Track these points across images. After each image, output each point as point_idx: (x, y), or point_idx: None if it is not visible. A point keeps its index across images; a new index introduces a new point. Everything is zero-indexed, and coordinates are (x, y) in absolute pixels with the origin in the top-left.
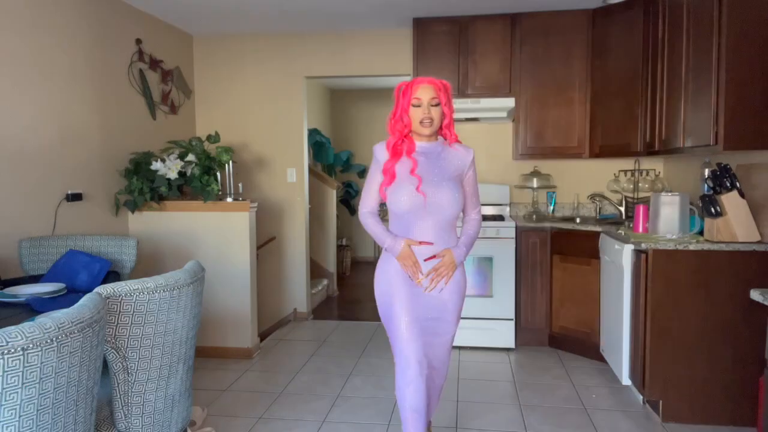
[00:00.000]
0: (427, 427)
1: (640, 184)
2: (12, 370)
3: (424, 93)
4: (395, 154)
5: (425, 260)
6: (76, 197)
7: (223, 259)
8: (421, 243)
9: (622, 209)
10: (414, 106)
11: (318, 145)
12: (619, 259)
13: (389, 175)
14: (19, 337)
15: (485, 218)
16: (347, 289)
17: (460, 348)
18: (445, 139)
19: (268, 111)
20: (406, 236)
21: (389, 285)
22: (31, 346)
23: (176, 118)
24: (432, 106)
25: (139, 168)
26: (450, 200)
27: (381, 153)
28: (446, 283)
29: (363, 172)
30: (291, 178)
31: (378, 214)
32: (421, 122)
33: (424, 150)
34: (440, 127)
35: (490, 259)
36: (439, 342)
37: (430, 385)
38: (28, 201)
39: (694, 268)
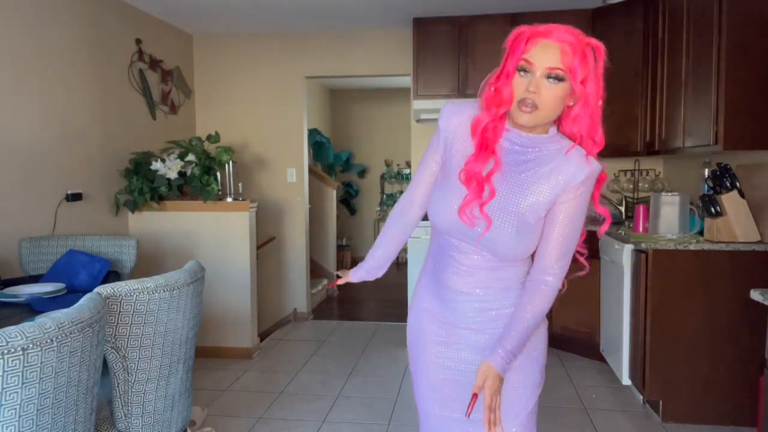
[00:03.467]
0: None
1: (640, 184)
2: (12, 370)
3: (543, 55)
4: (483, 146)
5: (467, 415)
6: (76, 197)
7: (223, 259)
8: (338, 277)
9: (622, 209)
10: (520, 71)
11: (318, 145)
12: (619, 259)
13: (476, 185)
14: (19, 337)
15: None
16: (347, 289)
17: None
18: (571, 142)
19: (268, 111)
20: (442, 270)
21: (418, 323)
22: (31, 346)
23: (176, 118)
24: (548, 79)
25: (139, 168)
26: (510, 240)
27: (456, 126)
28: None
29: (363, 172)
30: (291, 178)
31: (416, 223)
32: (519, 103)
33: (513, 145)
34: (559, 121)
35: None
36: None
37: None
38: (28, 201)
39: (694, 268)
